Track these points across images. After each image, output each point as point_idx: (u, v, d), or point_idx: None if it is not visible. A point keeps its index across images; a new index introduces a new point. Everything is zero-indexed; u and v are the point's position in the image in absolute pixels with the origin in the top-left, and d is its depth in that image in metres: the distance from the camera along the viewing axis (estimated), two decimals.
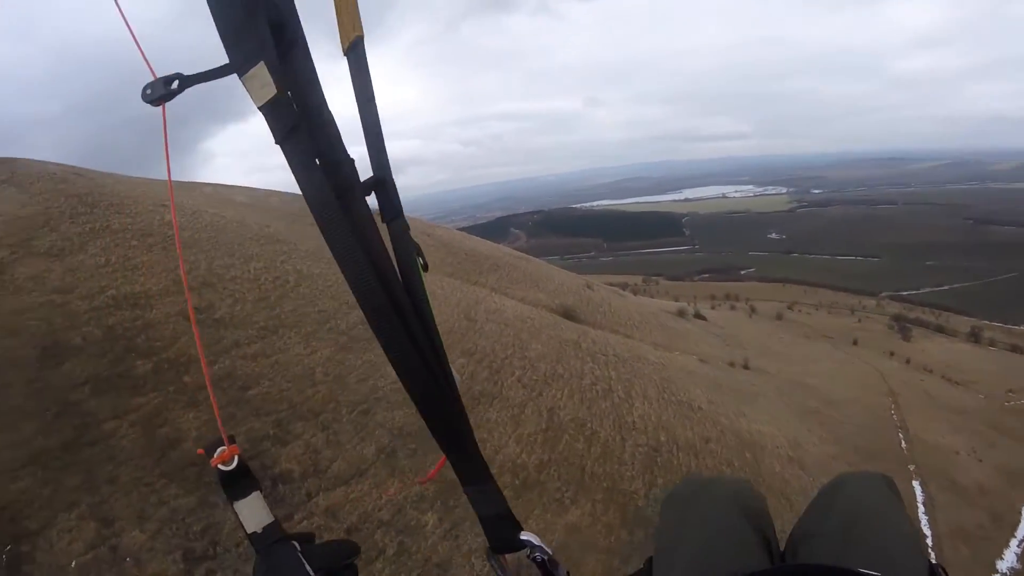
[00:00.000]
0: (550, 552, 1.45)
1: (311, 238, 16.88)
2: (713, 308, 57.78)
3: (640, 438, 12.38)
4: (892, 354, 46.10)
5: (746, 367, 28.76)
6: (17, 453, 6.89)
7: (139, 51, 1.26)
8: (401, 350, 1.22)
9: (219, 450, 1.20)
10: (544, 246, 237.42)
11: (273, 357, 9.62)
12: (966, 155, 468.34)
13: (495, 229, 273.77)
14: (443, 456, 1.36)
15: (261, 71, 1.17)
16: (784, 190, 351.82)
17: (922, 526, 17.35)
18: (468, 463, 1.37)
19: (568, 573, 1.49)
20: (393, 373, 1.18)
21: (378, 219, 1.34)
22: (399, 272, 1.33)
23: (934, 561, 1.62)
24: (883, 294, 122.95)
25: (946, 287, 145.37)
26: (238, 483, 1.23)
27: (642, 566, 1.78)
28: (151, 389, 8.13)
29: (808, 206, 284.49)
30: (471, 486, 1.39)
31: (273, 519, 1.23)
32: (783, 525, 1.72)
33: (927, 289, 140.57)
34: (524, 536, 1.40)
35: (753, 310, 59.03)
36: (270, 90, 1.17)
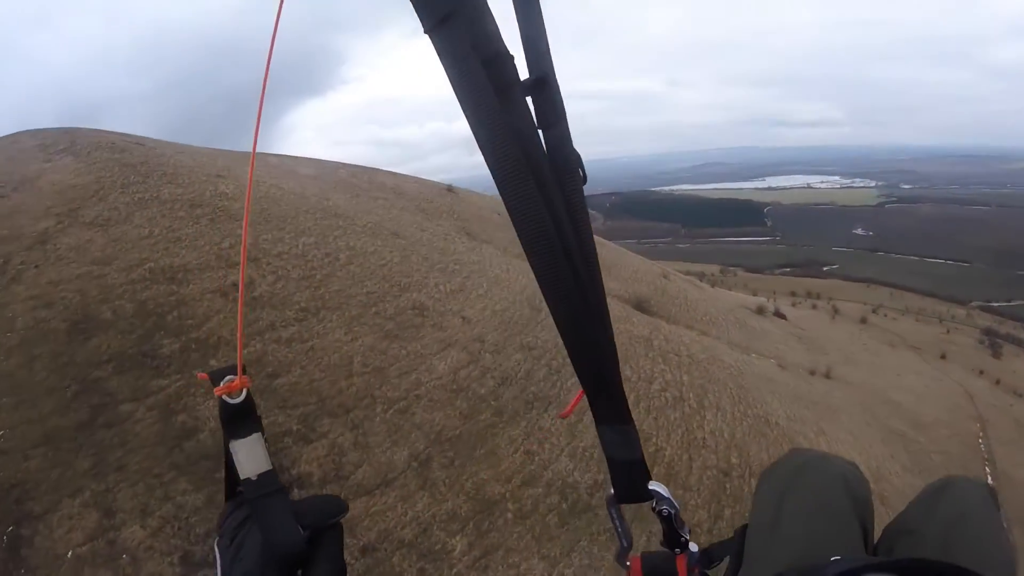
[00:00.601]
0: (677, 506, 1.51)
1: (372, 212, 16.43)
2: (794, 306, 54.98)
3: (710, 458, 11.24)
4: (981, 372, 43.15)
5: (828, 376, 26.99)
6: (33, 431, 6.60)
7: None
8: (555, 268, 1.18)
9: (227, 379, 1.11)
10: (621, 229, 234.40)
11: (309, 342, 8.92)
12: None
13: None
14: (581, 391, 1.34)
15: None
16: (872, 183, 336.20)
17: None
18: (609, 400, 1.34)
19: (690, 533, 1.60)
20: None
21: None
22: (559, 181, 1.29)
23: None
24: (973, 303, 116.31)
25: None
26: (240, 421, 1.13)
27: (732, 535, 1.83)
28: (175, 371, 7.59)
29: (897, 201, 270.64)
30: (608, 426, 1.37)
31: (271, 467, 1.12)
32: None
33: (1020, 301, 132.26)
34: (652, 486, 1.43)
35: (836, 311, 55.85)
36: None
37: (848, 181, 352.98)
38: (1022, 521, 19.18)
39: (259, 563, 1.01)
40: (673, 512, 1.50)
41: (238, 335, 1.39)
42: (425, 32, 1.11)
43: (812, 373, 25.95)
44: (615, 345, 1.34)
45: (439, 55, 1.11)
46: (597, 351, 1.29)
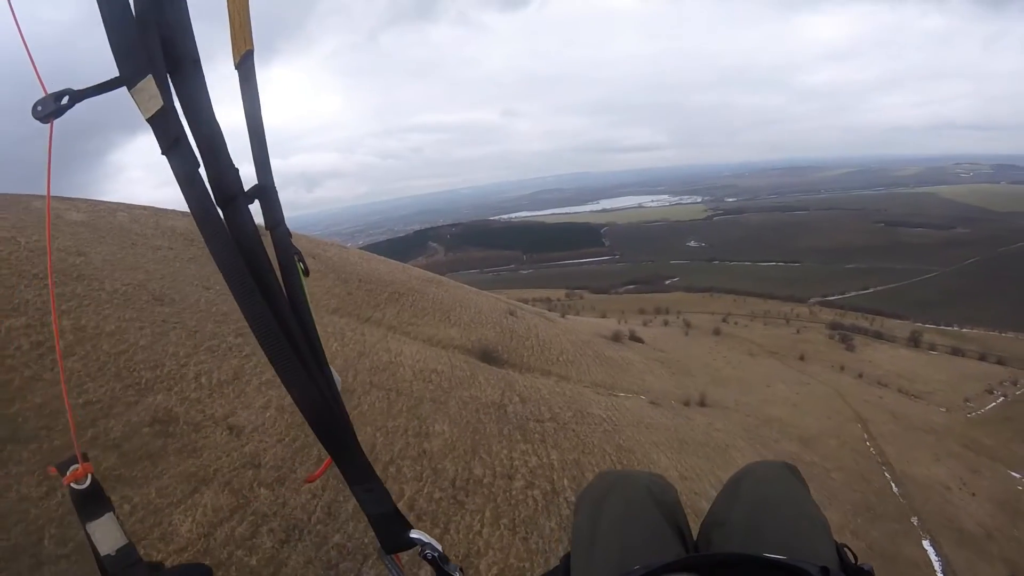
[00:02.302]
0: (439, 549, 1.66)
1: (138, 269, 12.26)
2: (646, 325, 53.99)
3: None
4: (842, 368, 44.86)
5: (702, 403, 25.33)
6: None
7: (32, 66, 1.30)
8: (281, 354, 1.36)
9: (72, 468, 1.22)
10: (463, 259, 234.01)
11: None
12: (871, 162, 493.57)
13: (413, 243, 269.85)
14: (328, 458, 1.51)
15: (149, 84, 1.28)
16: (699, 199, 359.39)
17: None
18: (353, 463, 1.51)
19: (461, 569, 1.71)
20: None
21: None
22: (281, 278, 1.53)
23: (839, 542, 1.74)
24: (812, 300, 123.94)
25: (871, 290, 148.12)
26: (91, 503, 1.23)
27: (559, 563, 1.92)
28: None
29: (724, 214, 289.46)
30: (358, 485, 1.55)
31: (128, 541, 1.24)
32: None
33: (853, 293, 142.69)
34: (414, 534, 1.59)
35: (688, 325, 55.87)
36: (157, 103, 1.29)
37: (677, 198, 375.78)
38: (940, 524, 18.34)
39: None
40: (436, 554, 1.60)
41: (72, 429, 1.63)
42: (161, 154, 1.30)
43: (686, 404, 24.13)
44: (348, 415, 1.60)
45: (173, 174, 1.29)
46: (333, 422, 1.47)
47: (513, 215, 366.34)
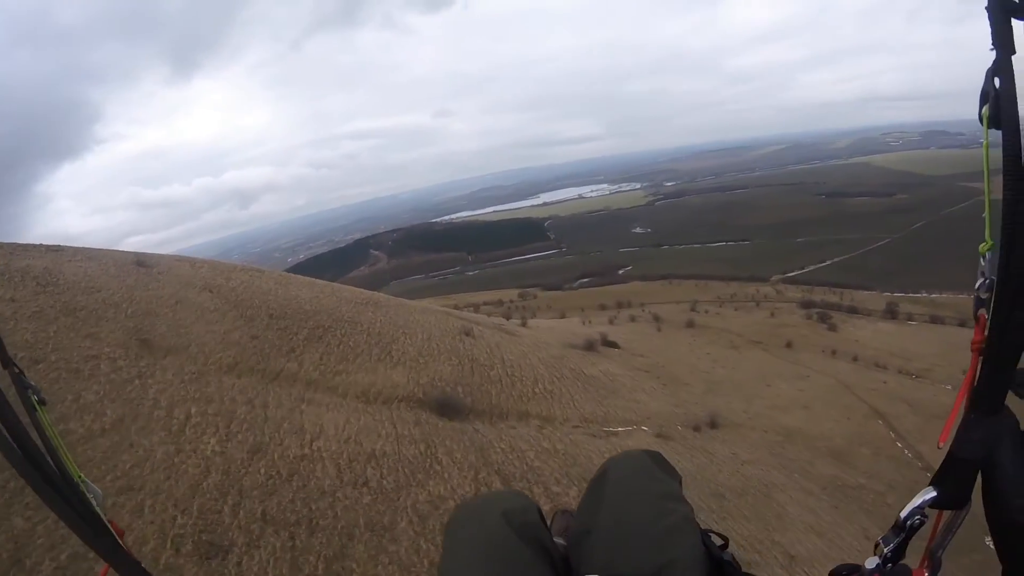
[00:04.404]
0: None
1: None
2: (612, 323, 48.79)
3: None
4: (834, 353, 41.46)
5: (713, 425, 21.27)
6: None
7: None
8: (40, 486, 1.34)
9: None
10: (407, 265, 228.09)
11: None
12: (804, 138, 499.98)
13: (354, 252, 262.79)
14: (106, 566, 1.40)
15: None
16: (638, 185, 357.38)
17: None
18: (126, 565, 1.39)
19: None
20: None
21: None
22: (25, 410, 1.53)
23: (703, 528, 1.74)
24: (774, 277, 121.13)
25: (828, 262, 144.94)
26: None
27: None
28: None
29: (665, 198, 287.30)
30: None
31: None
32: None
33: (812, 267, 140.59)
34: None
35: (658, 319, 51.14)
36: None
37: (616, 186, 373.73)
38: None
39: None
40: None
41: None
42: None
43: (696, 429, 20.05)
44: (108, 528, 1.50)
45: None
46: (96, 536, 1.41)
47: (454, 216, 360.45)
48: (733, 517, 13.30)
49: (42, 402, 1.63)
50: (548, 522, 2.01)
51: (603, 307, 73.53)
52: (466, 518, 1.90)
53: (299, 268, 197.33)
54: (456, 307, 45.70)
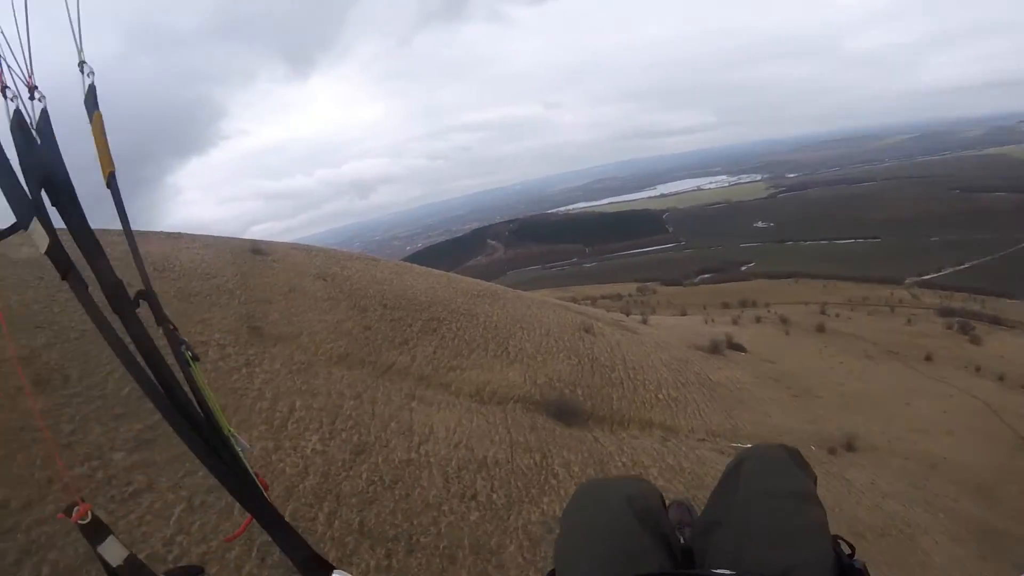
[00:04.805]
0: None
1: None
2: (736, 323, 45.81)
3: None
4: (978, 369, 37.06)
5: (850, 447, 19.35)
6: None
7: None
8: (181, 429, 1.52)
9: (75, 509, 1.45)
10: (524, 256, 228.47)
11: None
12: (934, 126, 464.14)
13: (472, 242, 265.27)
14: (249, 516, 1.58)
15: (36, 225, 1.51)
16: (759, 176, 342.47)
17: None
18: (266, 516, 1.55)
19: None
20: None
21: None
22: (178, 362, 1.71)
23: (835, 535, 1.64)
24: (909, 280, 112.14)
25: (967, 265, 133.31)
26: (96, 532, 1.48)
27: None
28: None
29: (787, 191, 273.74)
30: (275, 535, 1.55)
31: (129, 552, 1.50)
32: None
33: (949, 269, 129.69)
34: (336, 574, 1.54)
35: (785, 322, 47.30)
36: (45, 240, 1.51)
37: (735, 178, 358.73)
38: None
39: None
40: None
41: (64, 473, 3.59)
42: (61, 279, 1.53)
43: (832, 452, 18.33)
44: (254, 479, 1.65)
45: (73, 292, 1.53)
46: (243, 488, 1.59)
47: (571, 206, 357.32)
48: (874, 563, 11.65)
49: (195, 358, 1.75)
50: None
51: (726, 305, 69.99)
52: (588, 499, 1.88)
53: (417, 257, 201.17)
54: (574, 300, 44.52)
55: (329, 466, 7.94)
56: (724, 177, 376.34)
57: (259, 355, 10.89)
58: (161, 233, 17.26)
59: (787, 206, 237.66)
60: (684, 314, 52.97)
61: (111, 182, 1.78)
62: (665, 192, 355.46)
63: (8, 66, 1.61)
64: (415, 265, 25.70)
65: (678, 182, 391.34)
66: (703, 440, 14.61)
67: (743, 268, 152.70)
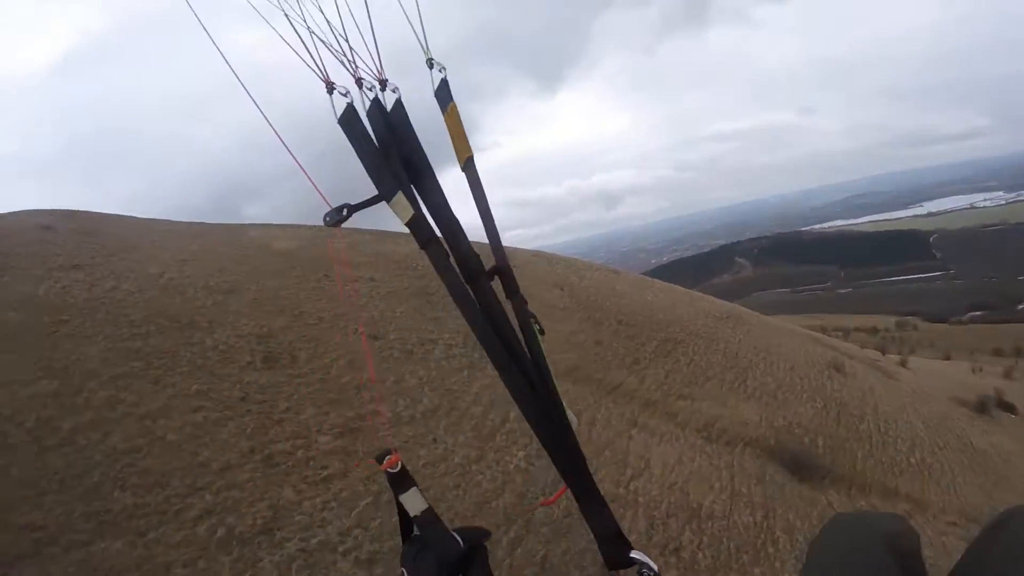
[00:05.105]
0: (656, 569, 1.69)
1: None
2: (1009, 376, 37.61)
3: None
4: None
5: None
6: None
7: (314, 187, 1.75)
8: (523, 396, 1.72)
9: (387, 458, 1.61)
10: (772, 276, 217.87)
11: None
12: None
13: (717, 259, 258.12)
14: (563, 485, 1.78)
15: (400, 198, 1.70)
16: None
17: None
18: (584, 489, 1.74)
19: None
20: None
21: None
22: (521, 335, 1.86)
23: None
24: None
25: None
26: (401, 482, 1.63)
27: None
28: None
29: None
30: (587, 506, 1.74)
31: (428, 505, 1.64)
32: None
33: None
34: (634, 554, 1.67)
35: None
36: (408, 212, 1.70)
37: (1013, 195, 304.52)
38: None
39: (434, 570, 1.49)
40: (652, 574, 1.65)
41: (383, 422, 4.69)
42: (420, 249, 1.75)
43: None
44: (579, 446, 1.82)
45: (431, 263, 1.73)
46: (569, 456, 1.77)
47: (826, 224, 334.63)
48: None
49: (542, 331, 1.90)
50: None
51: (998, 352, 58.48)
52: (843, 530, 1.74)
53: (660, 271, 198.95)
54: (823, 330, 40.80)
55: (529, 487, 7.54)
56: (1000, 193, 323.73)
57: (483, 359, 10.74)
58: (405, 234, 17.98)
59: None
60: (948, 358, 46.53)
61: (467, 166, 1.94)
62: (932, 210, 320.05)
63: (361, 63, 1.81)
64: (657, 280, 24.75)
65: (949, 198, 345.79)
66: (952, 524, 12.23)
67: (1020, 307, 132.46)
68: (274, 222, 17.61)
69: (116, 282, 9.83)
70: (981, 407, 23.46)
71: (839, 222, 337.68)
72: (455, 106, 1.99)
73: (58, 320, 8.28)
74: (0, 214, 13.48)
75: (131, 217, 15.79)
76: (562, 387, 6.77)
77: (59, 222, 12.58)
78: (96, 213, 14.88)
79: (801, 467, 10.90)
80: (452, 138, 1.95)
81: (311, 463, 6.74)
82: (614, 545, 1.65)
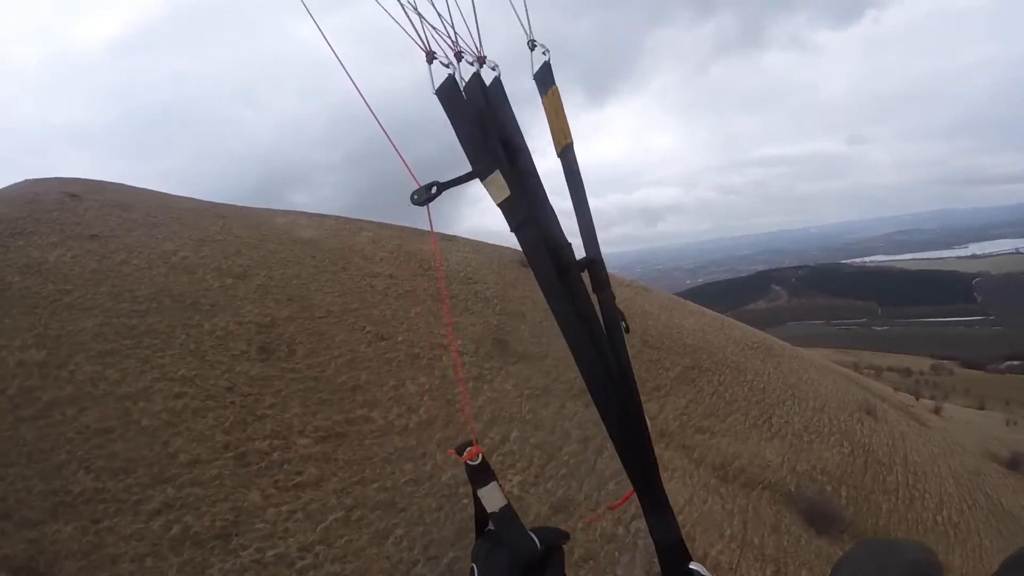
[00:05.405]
0: None
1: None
2: None
3: None
4: None
5: None
6: None
7: (404, 164, 1.69)
8: (605, 396, 1.58)
9: (467, 449, 1.51)
10: (807, 307, 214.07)
11: None
12: None
13: (753, 284, 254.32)
14: (631, 489, 1.67)
15: (497, 177, 1.58)
16: None
17: None
18: (653, 495, 1.62)
19: None
20: None
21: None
22: (607, 331, 1.70)
23: None
24: None
25: None
26: (481, 475, 1.54)
27: None
28: None
29: None
30: (653, 515, 1.62)
31: (507, 502, 1.54)
32: None
33: None
34: (693, 566, 1.59)
35: None
36: (504, 192, 1.58)
37: None
38: None
39: (507, 569, 1.41)
40: None
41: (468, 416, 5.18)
42: (511, 231, 1.59)
43: None
44: (654, 452, 1.66)
45: (521, 247, 1.56)
46: (641, 461, 1.63)
47: (867, 258, 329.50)
48: None
49: (627, 329, 1.79)
50: None
51: None
52: (868, 555, 1.68)
53: (694, 292, 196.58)
54: (855, 367, 39.68)
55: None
56: None
57: (494, 371, 10.40)
58: (438, 234, 17.73)
59: None
60: (982, 407, 44.99)
61: (565, 152, 1.87)
62: (977, 252, 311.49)
63: (461, 40, 1.72)
64: (688, 302, 24.17)
65: (995, 241, 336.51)
66: None
67: None
68: (310, 211, 17.41)
69: (127, 256, 9.65)
70: (1014, 464, 22.38)
71: (880, 257, 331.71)
72: (557, 90, 1.91)
73: (62, 289, 8.09)
74: (34, 180, 13.50)
75: (161, 193, 15.74)
76: (571, 408, 6.51)
77: (87, 192, 12.47)
78: (127, 186, 14.85)
79: (820, 518, 10.30)
80: (550, 123, 1.90)
81: (285, 467, 6.43)
82: (674, 555, 1.59)
